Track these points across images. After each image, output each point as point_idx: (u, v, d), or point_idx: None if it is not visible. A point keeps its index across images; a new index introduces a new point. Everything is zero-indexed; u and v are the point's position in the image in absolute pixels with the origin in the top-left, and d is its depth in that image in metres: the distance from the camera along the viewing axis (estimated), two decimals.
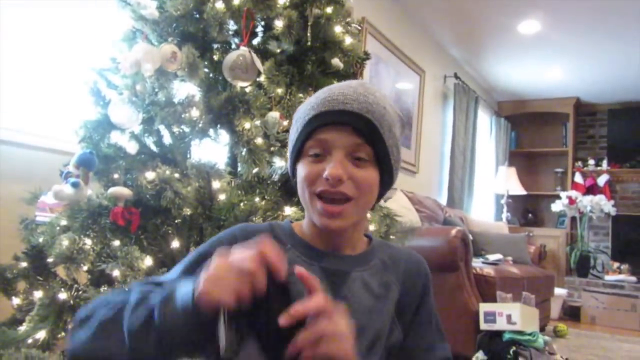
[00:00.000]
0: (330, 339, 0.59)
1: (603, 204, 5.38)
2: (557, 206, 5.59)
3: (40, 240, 1.37)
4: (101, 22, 1.91)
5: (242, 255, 0.60)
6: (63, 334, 1.31)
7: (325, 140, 0.76)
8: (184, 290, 0.62)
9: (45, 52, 1.87)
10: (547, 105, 6.34)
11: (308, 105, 0.80)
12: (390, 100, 0.82)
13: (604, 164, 5.95)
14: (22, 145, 1.79)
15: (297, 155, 0.80)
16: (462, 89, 5.17)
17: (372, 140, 0.76)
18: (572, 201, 5.48)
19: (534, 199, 6.56)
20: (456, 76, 5.07)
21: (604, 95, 5.99)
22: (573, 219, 5.85)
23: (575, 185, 5.94)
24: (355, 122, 0.75)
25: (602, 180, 5.85)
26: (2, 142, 1.74)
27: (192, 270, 0.76)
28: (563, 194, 5.60)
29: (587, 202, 5.43)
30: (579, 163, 6.12)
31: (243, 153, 1.43)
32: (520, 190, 5.74)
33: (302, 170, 0.78)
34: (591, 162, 6.05)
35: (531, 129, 6.69)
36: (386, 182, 0.82)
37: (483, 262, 3.58)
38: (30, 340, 1.23)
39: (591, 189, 5.85)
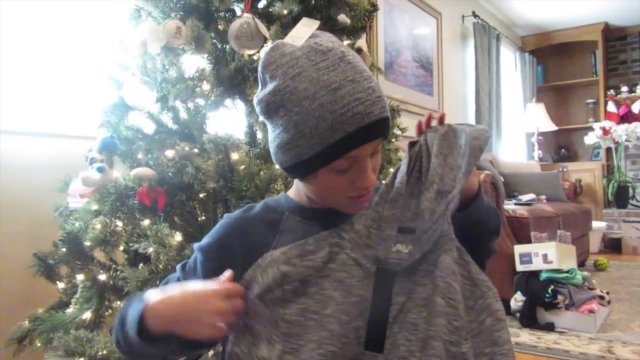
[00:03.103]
0: None
1: (639, 131, 5.19)
2: (590, 138, 5.43)
3: (76, 225, 1.42)
4: (109, 4, 1.91)
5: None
6: (109, 311, 1.38)
7: (356, 156, 0.74)
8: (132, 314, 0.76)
9: (56, 40, 1.89)
10: (573, 34, 6.08)
11: (319, 119, 0.71)
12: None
13: (639, 89, 5.71)
14: (47, 135, 1.84)
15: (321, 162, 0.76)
16: (481, 28, 4.99)
17: (388, 132, 0.78)
18: (606, 132, 5.30)
19: (566, 134, 6.39)
20: (474, 15, 4.89)
21: (635, 16, 5.68)
22: (608, 150, 5.69)
23: (608, 115, 5.74)
24: (379, 130, 0.74)
25: (637, 106, 5.62)
26: (29, 134, 1.79)
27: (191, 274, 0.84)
28: (596, 125, 5.42)
29: (621, 131, 5.24)
30: (611, 91, 5.89)
31: (260, 120, 1.43)
32: (550, 126, 5.59)
33: (326, 180, 0.76)
34: (624, 89, 5.81)
35: (558, 62, 6.45)
36: None
37: (515, 204, 3.54)
38: (77, 321, 1.30)
39: (626, 117, 5.64)
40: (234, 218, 0.85)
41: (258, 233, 0.82)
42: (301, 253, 0.77)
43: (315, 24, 0.80)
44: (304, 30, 0.77)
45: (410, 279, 0.77)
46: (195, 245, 0.84)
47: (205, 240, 0.83)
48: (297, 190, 0.87)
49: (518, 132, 5.90)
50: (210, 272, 0.79)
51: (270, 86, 0.75)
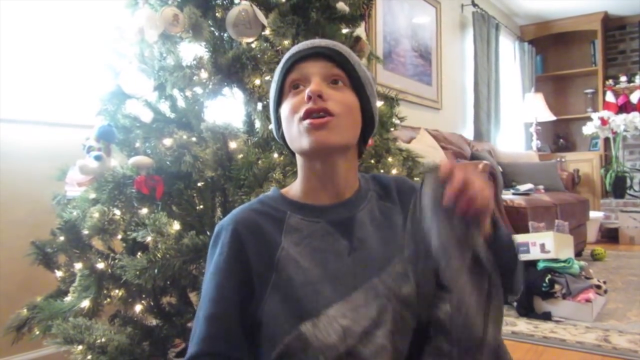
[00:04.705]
0: (475, 185, 0.73)
1: (637, 121, 5.19)
2: (588, 128, 5.43)
3: (74, 213, 1.41)
4: None
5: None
6: (107, 300, 1.38)
7: (302, 69, 0.82)
8: None
9: (54, 28, 1.87)
10: (572, 23, 6.05)
11: (285, 58, 0.86)
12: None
13: (637, 79, 5.69)
14: (45, 123, 1.83)
15: (279, 100, 0.86)
16: (481, 17, 4.96)
17: (344, 66, 0.83)
18: (604, 122, 5.30)
19: (564, 124, 6.39)
20: (473, 3, 4.87)
21: (634, 5, 5.66)
22: (606, 140, 5.70)
23: (606, 105, 5.73)
24: (326, 53, 0.83)
25: (635, 96, 5.62)
26: (26, 123, 1.79)
27: (232, 295, 0.79)
28: (594, 115, 5.42)
29: (620, 121, 5.24)
30: (610, 81, 5.88)
31: (258, 109, 1.42)
32: (549, 116, 5.59)
33: (286, 106, 0.83)
34: (623, 78, 5.80)
35: (557, 51, 6.44)
36: (368, 117, 0.87)
37: (514, 194, 3.55)
38: (75, 310, 1.30)
39: (624, 107, 5.64)
40: (231, 220, 0.83)
41: (262, 232, 0.81)
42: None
43: None
44: None
45: None
46: (212, 276, 0.81)
47: (214, 259, 0.82)
48: (292, 192, 0.88)
49: (516, 122, 5.90)
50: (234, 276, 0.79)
51: None
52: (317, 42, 0.85)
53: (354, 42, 1.63)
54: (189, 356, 0.78)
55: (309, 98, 0.78)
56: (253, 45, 1.41)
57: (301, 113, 0.79)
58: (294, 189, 0.88)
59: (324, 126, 0.78)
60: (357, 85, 0.84)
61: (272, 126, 0.91)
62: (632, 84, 5.73)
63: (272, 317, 0.77)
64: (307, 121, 0.78)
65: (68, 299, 1.36)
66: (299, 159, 0.86)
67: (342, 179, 0.85)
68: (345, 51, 0.85)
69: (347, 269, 0.80)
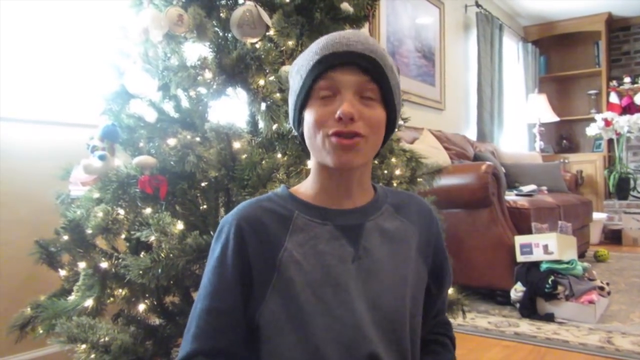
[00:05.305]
0: None
1: None
2: (592, 130, 5.42)
3: (78, 213, 1.42)
4: None
5: None
6: (111, 299, 1.39)
7: (335, 79, 0.77)
8: None
9: (57, 27, 1.88)
10: (576, 24, 6.04)
11: (309, 53, 0.81)
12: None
13: None
14: (49, 123, 1.84)
15: (304, 102, 0.80)
16: (484, 18, 4.96)
17: (378, 79, 0.78)
18: (608, 123, 5.29)
19: (568, 125, 6.38)
20: (477, 4, 4.86)
21: (639, 6, 5.64)
22: (610, 141, 5.69)
23: (610, 106, 5.72)
24: (361, 62, 0.77)
25: (639, 98, 5.61)
26: (31, 122, 1.79)
27: (234, 288, 0.78)
28: (598, 117, 5.40)
29: (624, 122, 5.23)
30: (614, 82, 5.86)
31: (262, 109, 1.42)
32: (552, 117, 5.58)
33: (311, 114, 0.79)
34: (627, 80, 5.78)
35: (561, 52, 6.43)
36: (390, 125, 0.84)
37: (517, 195, 3.54)
38: (79, 309, 1.30)
39: (628, 109, 5.63)
40: (237, 216, 0.82)
41: (266, 230, 0.81)
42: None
43: None
44: None
45: None
46: (212, 271, 0.81)
47: (215, 255, 0.82)
48: (302, 191, 0.86)
49: (520, 122, 5.89)
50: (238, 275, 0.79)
51: None
52: (353, 43, 0.78)
53: None
54: (188, 353, 0.77)
55: (340, 119, 0.75)
56: (257, 46, 1.41)
57: (329, 130, 0.76)
58: (305, 188, 0.87)
59: (352, 148, 0.76)
60: (388, 96, 0.81)
61: (290, 122, 0.87)
62: (636, 85, 5.71)
63: (272, 318, 0.77)
64: (335, 139, 0.76)
65: (72, 298, 1.36)
66: (315, 163, 0.84)
67: (355, 185, 0.84)
68: (381, 58, 0.79)
69: (349, 276, 0.80)
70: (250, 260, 0.79)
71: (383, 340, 0.79)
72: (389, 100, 0.81)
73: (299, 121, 0.83)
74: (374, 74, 0.78)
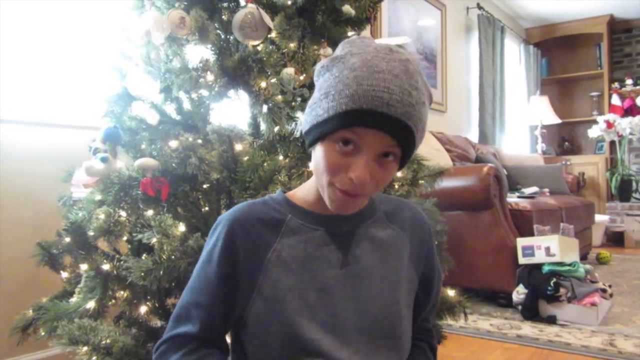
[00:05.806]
0: None
1: None
2: (594, 131, 5.42)
3: (80, 215, 1.42)
4: None
5: None
6: (113, 301, 1.39)
7: (361, 136, 0.71)
8: None
9: (59, 29, 1.88)
10: (578, 26, 6.04)
11: (347, 86, 0.71)
12: (424, 77, 0.78)
13: None
14: (51, 125, 1.84)
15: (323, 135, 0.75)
16: (486, 20, 4.96)
17: (406, 145, 0.73)
18: (610, 125, 5.29)
19: (570, 127, 6.37)
20: (479, 6, 4.86)
21: None
22: (612, 143, 5.68)
23: (612, 108, 5.72)
24: (395, 130, 0.71)
25: None
26: (33, 124, 1.79)
27: (219, 295, 0.81)
28: (600, 118, 5.40)
29: (626, 124, 5.23)
30: (616, 84, 5.86)
31: (264, 111, 1.42)
32: (554, 119, 5.58)
33: (325, 154, 0.74)
34: (629, 81, 5.78)
35: (563, 54, 6.42)
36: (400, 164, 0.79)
37: (519, 197, 3.54)
38: (81, 311, 1.30)
39: (630, 110, 5.63)
40: (231, 218, 0.83)
41: (258, 233, 0.82)
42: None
43: (405, 40, 0.93)
44: (393, 40, 0.85)
45: None
46: (201, 272, 0.84)
47: (205, 258, 0.84)
48: (298, 195, 0.87)
49: (522, 124, 5.89)
50: (224, 279, 0.81)
51: (334, 54, 0.78)
52: (394, 103, 0.70)
53: None
54: (171, 335, 0.82)
55: (351, 180, 0.72)
56: (259, 48, 1.41)
57: (337, 183, 0.74)
58: (301, 193, 0.87)
59: (355, 201, 0.76)
60: (409, 155, 0.76)
61: (300, 127, 0.86)
62: (637, 87, 5.71)
63: (257, 317, 0.79)
64: (340, 193, 0.74)
65: (73, 300, 1.36)
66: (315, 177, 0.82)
67: None
68: (416, 122, 0.72)
69: (335, 281, 0.80)
70: (240, 262, 0.80)
71: (369, 345, 0.80)
72: (409, 155, 0.76)
73: (312, 140, 0.78)
74: (403, 141, 0.72)
